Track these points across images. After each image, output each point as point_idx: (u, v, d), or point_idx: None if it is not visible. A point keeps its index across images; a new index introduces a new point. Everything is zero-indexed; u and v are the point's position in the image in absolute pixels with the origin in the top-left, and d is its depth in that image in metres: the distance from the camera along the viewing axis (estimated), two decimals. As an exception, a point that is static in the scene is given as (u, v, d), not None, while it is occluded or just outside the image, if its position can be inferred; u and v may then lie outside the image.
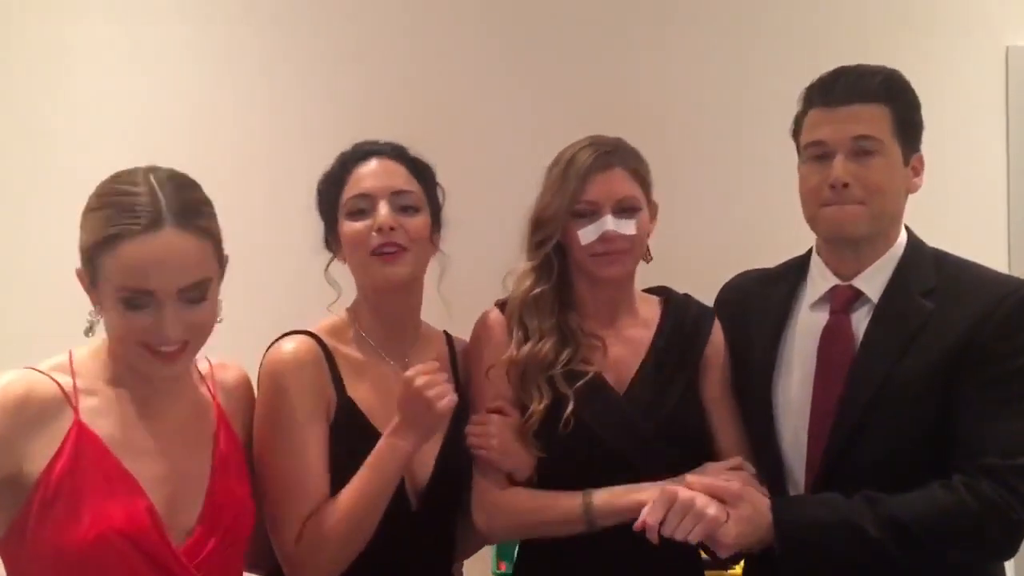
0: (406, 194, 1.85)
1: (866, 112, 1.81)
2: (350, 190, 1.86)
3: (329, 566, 1.74)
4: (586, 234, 1.88)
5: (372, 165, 1.87)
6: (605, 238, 1.88)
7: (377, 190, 1.84)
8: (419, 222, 1.86)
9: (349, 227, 1.85)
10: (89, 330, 1.60)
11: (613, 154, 1.91)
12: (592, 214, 1.89)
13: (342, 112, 2.97)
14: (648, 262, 1.99)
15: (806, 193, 1.88)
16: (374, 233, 1.81)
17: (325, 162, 1.95)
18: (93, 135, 2.92)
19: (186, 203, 1.56)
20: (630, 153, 1.94)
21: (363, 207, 1.84)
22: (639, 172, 1.94)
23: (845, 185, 1.79)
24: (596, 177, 1.89)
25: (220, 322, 1.64)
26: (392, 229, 1.81)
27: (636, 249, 1.92)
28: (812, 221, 1.90)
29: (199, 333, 1.59)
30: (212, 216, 1.61)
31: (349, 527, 1.73)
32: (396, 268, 1.83)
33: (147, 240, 1.50)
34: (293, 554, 1.74)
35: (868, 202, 1.81)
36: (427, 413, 1.74)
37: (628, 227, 1.89)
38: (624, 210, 1.89)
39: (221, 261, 1.63)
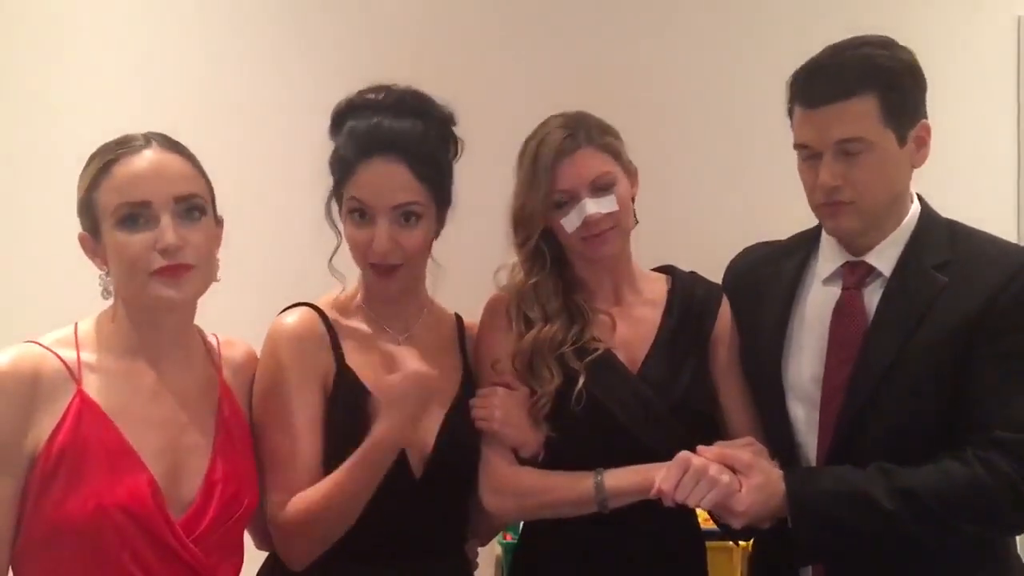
0: (407, 205, 1.80)
1: (849, 111, 1.73)
2: (352, 188, 1.81)
3: (315, 542, 1.74)
4: (569, 222, 1.86)
5: (377, 170, 1.79)
6: (588, 222, 1.85)
7: (376, 204, 1.79)
8: (417, 236, 1.82)
9: (350, 230, 1.83)
10: (105, 291, 1.60)
11: (576, 135, 1.86)
12: (570, 200, 1.86)
13: (353, 85, 2.96)
14: (634, 226, 1.95)
15: (805, 189, 1.85)
16: (371, 250, 1.80)
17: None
18: (92, 111, 2.91)
19: (172, 139, 1.64)
20: (594, 126, 1.89)
21: (363, 212, 1.81)
22: (607, 144, 1.89)
23: (835, 187, 1.76)
24: (564, 163, 1.85)
25: (218, 280, 1.66)
26: (390, 251, 1.80)
27: (622, 222, 1.89)
28: (813, 213, 1.88)
29: (202, 255, 1.59)
30: (199, 163, 1.66)
31: (332, 512, 1.72)
32: (389, 285, 1.84)
33: (138, 157, 1.57)
34: (280, 524, 1.74)
35: (860, 201, 1.77)
36: (421, 399, 1.74)
37: (608, 204, 1.86)
38: (600, 188, 1.86)
39: (212, 198, 1.66)
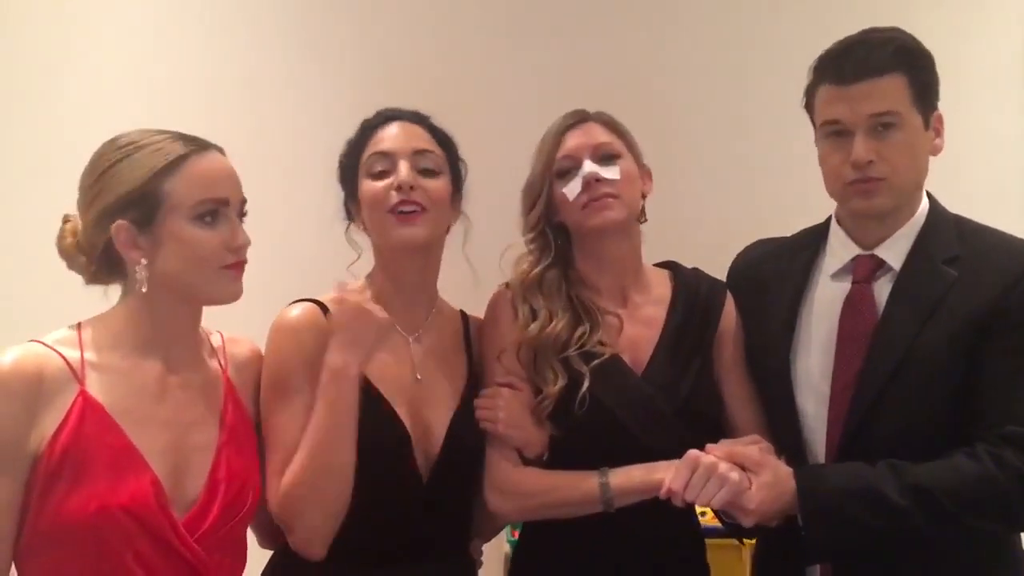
0: (427, 154, 1.85)
1: (881, 86, 1.76)
2: (370, 149, 1.86)
3: (313, 514, 1.72)
4: (571, 189, 1.88)
5: (393, 128, 1.87)
6: (588, 182, 1.86)
7: (397, 149, 1.84)
8: (439, 184, 1.85)
9: (369, 186, 1.84)
10: (142, 284, 1.58)
11: (587, 113, 1.94)
12: (573, 168, 1.89)
13: (358, 81, 2.97)
14: (642, 222, 1.97)
15: (828, 171, 1.85)
16: (393, 192, 1.80)
17: (340, 134, 1.93)
18: (100, 109, 2.90)
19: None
20: (607, 115, 1.95)
21: (383, 167, 1.84)
22: (616, 126, 1.95)
23: (869, 162, 1.76)
24: (572, 131, 1.92)
25: None
26: (412, 188, 1.80)
27: (625, 195, 1.89)
28: (836, 198, 1.87)
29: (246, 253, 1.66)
30: None
31: (314, 468, 1.71)
32: (414, 229, 1.82)
33: (211, 155, 1.62)
34: (278, 503, 1.74)
35: (892, 177, 1.78)
36: (357, 320, 1.77)
37: (611, 171, 1.87)
38: (603, 157, 1.89)
39: None
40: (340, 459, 1.72)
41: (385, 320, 1.83)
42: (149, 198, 1.56)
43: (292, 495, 1.71)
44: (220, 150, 1.65)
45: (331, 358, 1.74)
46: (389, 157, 1.83)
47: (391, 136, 1.86)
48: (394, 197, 1.80)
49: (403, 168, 1.81)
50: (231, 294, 1.64)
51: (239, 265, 1.63)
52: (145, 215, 1.57)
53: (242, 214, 1.65)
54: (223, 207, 1.60)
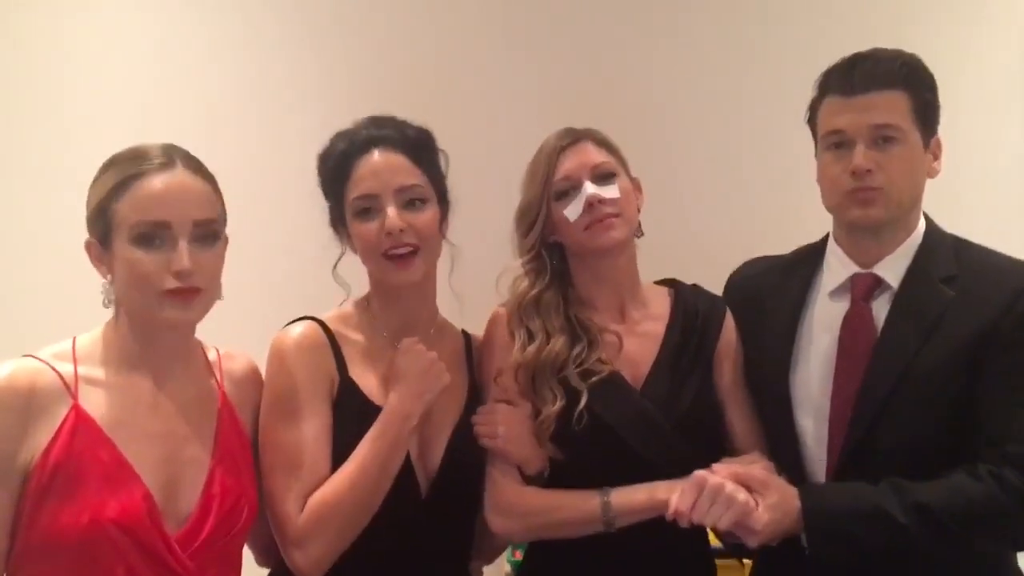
0: (411, 188, 1.82)
1: (885, 100, 1.78)
2: (354, 189, 1.83)
3: (334, 540, 1.72)
4: (572, 210, 1.87)
5: (374, 159, 1.83)
6: (590, 203, 1.85)
7: (381, 191, 1.81)
8: (427, 217, 1.83)
9: (359, 228, 1.83)
10: (107, 299, 1.60)
11: (579, 132, 1.93)
12: (572, 190, 1.88)
13: (351, 100, 2.96)
14: (639, 237, 1.96)
15: (826, 182, 1.86)
16: (384, 237, 1.80)
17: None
18: (91, 126, 2.90)
19: (194, 158, 1.64)
20: (597, 132, 1.95)
21: (370, 206, 1.82)
22: (609, 144, 1.94)
23: (868, 171, 1.77)
24: (567, 152, 1.90)
25: (221, 299, 1.66)
26: (402, 231, 1.79)
27: (626, 213, 1.89)
28: (833, 210, 1.88)
29: (211, 279, 1.61)
30: (216, 183, 1.66)
31: (354, 498, 1.72)
32: (409, 272, 1.82)
33: (162, 175, 1.57)
34: (295, 530, 1.72)
35: (890, 189, 1.79)
36: (429, 373, 1.79)
37: (610, 191, 1.87)
38: (601, 176, 1.88)
39: (225, 218, 1.66)
40: (379, 495, 1.74)
41: (390, 341, 1.86)
42: (104, 219, 1.58)
43: (324, 516, 1.71)
44: (193, 166, 1.61)
45: (397, 403, 1.76)
46: (374, 198, 1.81)
47: (372, 173, 1.82)
48: (386, 242, 1.80)
49: (391, 213, 1.79)
50: (170, 321, 1.58)
51: (183, 292, 1.56)
52: (103, 235, 1.58)
53: (204, 237, 1.58)
54: (164, 230, 1.55)
